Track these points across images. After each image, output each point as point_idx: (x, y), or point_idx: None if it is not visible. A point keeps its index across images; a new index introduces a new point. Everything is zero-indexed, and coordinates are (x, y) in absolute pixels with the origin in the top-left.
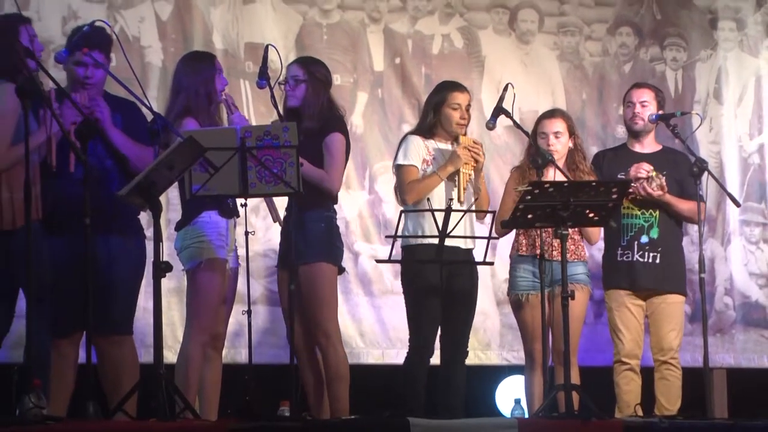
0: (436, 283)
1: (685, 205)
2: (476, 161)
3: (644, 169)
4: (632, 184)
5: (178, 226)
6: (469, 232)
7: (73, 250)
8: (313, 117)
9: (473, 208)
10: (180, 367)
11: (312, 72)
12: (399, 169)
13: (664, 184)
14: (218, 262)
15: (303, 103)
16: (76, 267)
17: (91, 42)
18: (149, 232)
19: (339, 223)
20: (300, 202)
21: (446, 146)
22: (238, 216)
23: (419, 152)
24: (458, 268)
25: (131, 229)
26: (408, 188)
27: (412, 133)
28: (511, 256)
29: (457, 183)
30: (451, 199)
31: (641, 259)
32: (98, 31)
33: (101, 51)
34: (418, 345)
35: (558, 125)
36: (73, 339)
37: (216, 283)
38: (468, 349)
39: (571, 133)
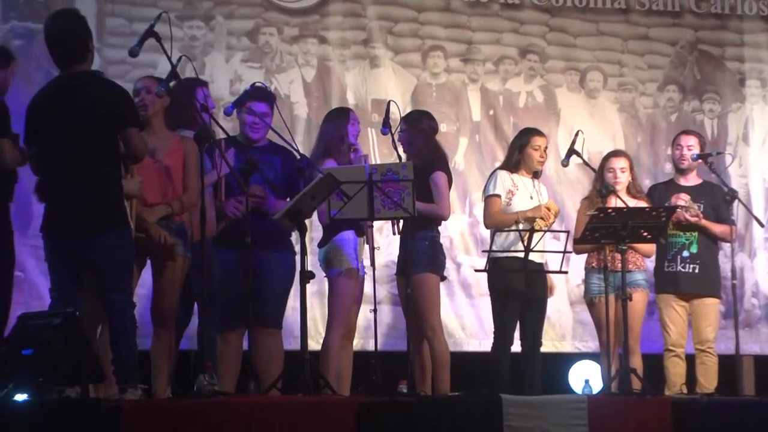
0: (517, 288)
1: (718, 228)
2: (548, 221)
3: (682, 199)
4: (676, 211)
5: (321, 243)
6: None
7: (239, 262)
8: (416, 157)
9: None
10: (323, 354)
11: (410, 123)
12: (486, 199)
13: (699, 212)
14: (353, 271)
15: (406, 147)
16: (240, 276)
17: (255, 96)
18: (296, 247)
19: (445, 240)
20: (411, 224)
21: (528, 179)
22: (364, 234)
23: (505, 185)
24: (534, 276)
25: (283, 246)
26: (490, 217)
27: (501, 168)
28: (585, 269)
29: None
30: (529, 219)
31: (683, 270)
32: (260, 88)
33: (265, 103)
34: (502, 337)
35: (622, 162)
36: (238, 331)
37: (351, 287)
38: (545, 340)
39: (631, 169)
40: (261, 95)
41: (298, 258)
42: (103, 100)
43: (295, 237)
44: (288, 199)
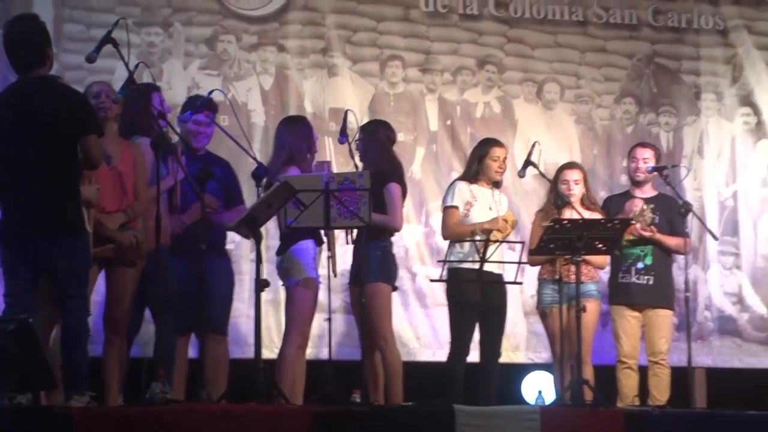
0: (474, 299)
1: (672, 241)
2: (505, 232)
3: (636, 205)
4: (630, 224)
5: (279, 251)
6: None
7: (188, 269)
8: (371, 166)
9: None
10: (279, 363)
11: (367, 132)
12: (444, 210)
13: (653, 227)
14: (311, 281)
15: (362, 157)
16: (190, 282)
17: (197, 105)
18: (252, 255)
19: (400, 249)
20: (365, 234)
21: (487, 189)
22: (323, 243)
23: (463, 196)
24: (492, 287)
25: (222, 253)
26: (448, 228)
27: (460, 179)
28: (538, 279)
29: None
30: (487, 231)
31: (637, 281)
32: (200, 97)
33: (207, 112)
34: (458, 347)
35: (576, 174)
36: (186, 337)
37: (309, 297)
38: (501, 350)
39: (585, 181)
40: (198, 104)
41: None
42: (63, 106)
43: (250, 245)
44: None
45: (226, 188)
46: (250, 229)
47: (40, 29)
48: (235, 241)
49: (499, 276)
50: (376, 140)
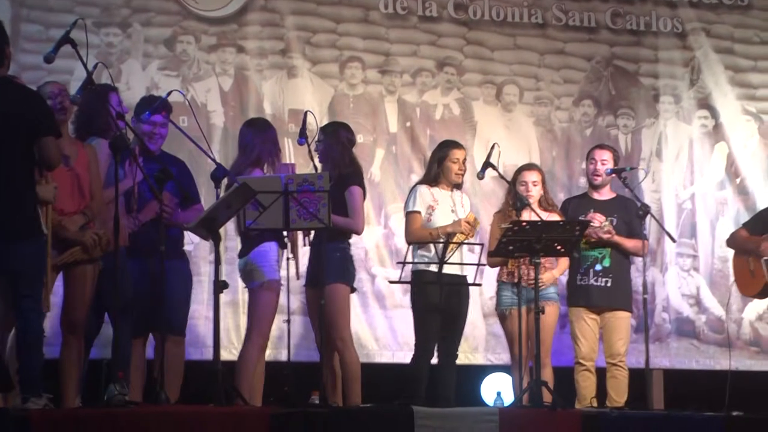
0: (437, 301)
1: (630, 243)
2: (469, 234)
3: (597, 219)
4: (588, 229)
5: (242, 254)
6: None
7: (144, 270)
8: (332, 168)
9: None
10: (240, 365)
11: (328, 134)
12: (407, 215)
13: (612, 230)
14: (274, 283)
15: (322, 158)
16: (147, 284)
17: (151, 107)
18: (211, 257)
19: (360, 251)
20: (322, 236)
21: (447, 192)
22: (286, 247)
23: (425, 200)
24: (454, 290)
25: (180, 254)
26: (411, 233)
27: (421, 182)
28: (497, 281)
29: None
30: (449, 233)
31: (595, 283)
32: (155, 98)
33: (161, 114)
34: (423, 349)
35: (534, 176)
36: (143, 339)
37: (272, 299)
38: (458, 352)
39: (543, 182)
40: (153, 105)
41: (202, 266)
42: (20, 106)
43: (208, 246)
44: (180, 210)
45: (182, 188)
46: (209, 230)
47: None
48: (193, 243)
49: (463, 278)
50: (338, 142)
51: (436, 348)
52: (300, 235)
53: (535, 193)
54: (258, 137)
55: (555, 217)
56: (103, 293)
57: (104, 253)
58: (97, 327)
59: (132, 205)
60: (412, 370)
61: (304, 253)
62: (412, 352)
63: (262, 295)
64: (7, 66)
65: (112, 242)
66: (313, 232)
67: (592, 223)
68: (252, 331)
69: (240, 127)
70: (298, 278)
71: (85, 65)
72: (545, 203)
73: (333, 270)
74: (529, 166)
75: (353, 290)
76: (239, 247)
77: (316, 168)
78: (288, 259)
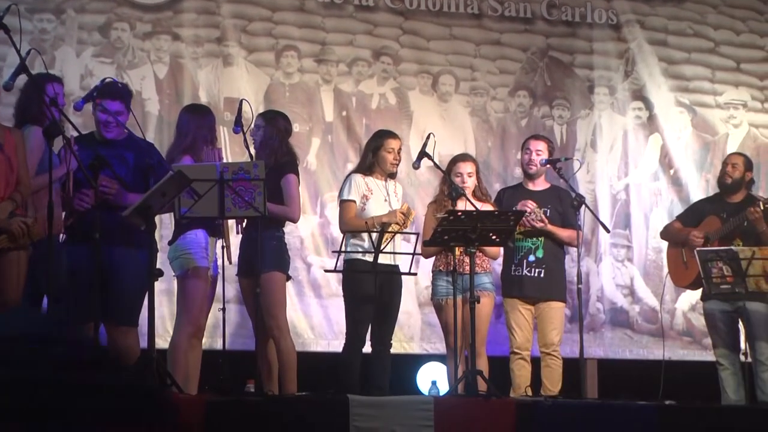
0: (370, 290)
1: (564, 233)
2: (403, 224)
3: (528, 206)
4: (522, 218)
5: (171, 241)
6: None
7: (90, 258)
8: (269, 156)
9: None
10: (170, 352)
11: (268, 120)
12: (341, 204)
13: (545, 218)
14: (201, 270)
15: (260, 145)
16: (90, 271)
17: (106, 94)
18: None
19: (295, 240)
20: (260, 224)
21: (381, 182)
22: (221, 236)
23: (359, 189)
24: (386, 278)
25: (135, 242)
26: (345, 223)
27: (355, 171)
28: (432, 271)
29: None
30: (384, 223)
31: (529, 274)
32: (112, 85)
33: (118, 101)
34: (354, 338)
35: (469, 167)
36: (88, 328)
37: (200, 286)
38: (393, 341)
39: (477, 173)
40: (115, 93)
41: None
42: None
43: None
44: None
45: (141, 171)
46: (144, 218)
47: None
48: None
49: (396, 267)
50: (277, 130)
51: (369, 337)
52: (233, 223)
53: (470, 183)
54: (194, 122)
55: (489, 207)
56: (38, 281)
57: (33, 241)
58: None
59: (68, 192)
60: (343, 359)
61: (236, 242)
62: None
63: (190, 282)
64: None
65: (46, 230)
66: (246, 221)
67: (525, 209)
68: (181, 318)
69: (179, 112)
70: (231, 263)
71: (18, 51)
72: (479, 194)
73: (269, 258)
74: (464, 157)
75: (289, 278)
76: None
77: (251, 156)
78: (223, 247)
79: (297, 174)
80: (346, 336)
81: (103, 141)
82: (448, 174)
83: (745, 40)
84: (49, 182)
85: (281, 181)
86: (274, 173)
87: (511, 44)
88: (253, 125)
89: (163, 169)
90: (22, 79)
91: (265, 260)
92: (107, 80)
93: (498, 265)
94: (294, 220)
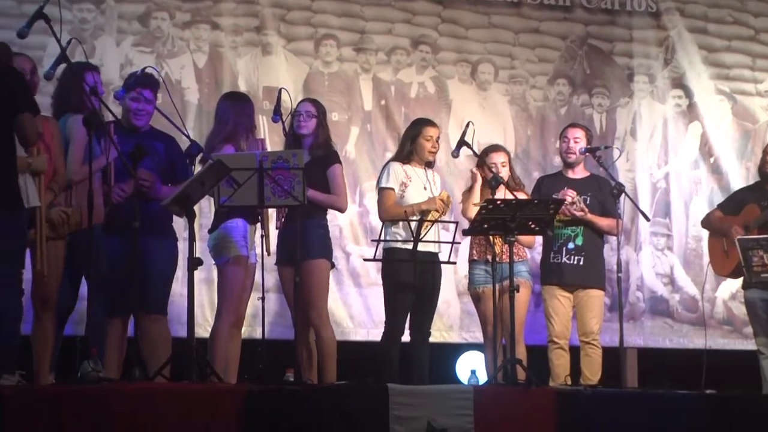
0: (410, 279)
1: (604, 222)
2: (442, 212)
3: (569, 195)
4: (562, 207)
5: (211, 230)
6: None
7: (124, 248)
8: (320, 146)
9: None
10: (211, 341)
11: (322, 111)
12: (380, 192)
13: (585, 207)
14: (242, 258)
15: (313, 135)
16: (125, 261)
17: (143, 83)
18: (185, 234)
19: (334, 229)
20: (303, 212)
21: (420, 169)
22: (259, 222)
23: (398, 177)
24: (427, 267)
25: (166, 232)
26: (385, 210)
27: (393, 159)
28: (468, 260)
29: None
30: (423, 211)
31: (568, 261)
32: (148, 75)
33: (151, 90)
34: (393, 327)
35: (502, 157)
36: (122, 317)
37: (240, 275)
38: (433, 330)
39: (510, 163)
40: (145, 81)
41: (181, 244)
42: None
43: (183, 223)
44: (170, 185)
45: (170, 163)
46: (183, 207)
47: None
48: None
49: (436, 256)
50: (325, 121)
51: (407, 326)
52: (273, 215)
53: (503, 174)
54: (233, 110)
55: (523, 196)
56: (77, 270)
57: (72, 231)
58: (71, 304)
59: (109, 181)
60: (382, 348)
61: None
62: None
63: (230, 270)
64: None
65: (85, 220)
66: (286, 212)
67: (565, 201)
68: (222, 307)
69: (218, 99)
70: (269, 254)
71: (58, 41)
72: (512, 183)
73: (316, 246)
74: (496, 147)
75: (333, 266)
76: None
77: (290, 145)
78: (262, 236)
79: (341, 164)
80: (384, 326)
81: (132, 130)
82: (482, 164)
83: None
84: (89, 172)
85: (327, 171)
86: (319, 163)
87: (550, 32)
88: (302, 111)
89: (184, 163)
90: (60, 68)
91: (312, 248)
92: (146, 70)
93: (537, 254)
94: (342, 210)
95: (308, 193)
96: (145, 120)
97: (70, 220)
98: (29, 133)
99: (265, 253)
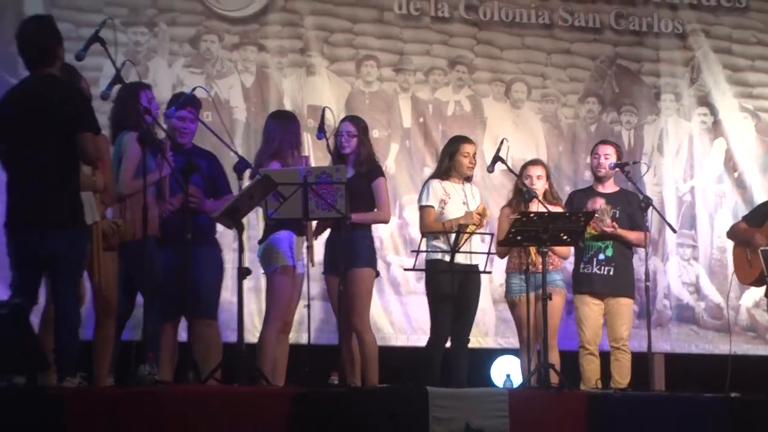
0: (450, 289)
1: (633, 236)
2: (479, 224)
3: (598, 204)
4: (592, 222)
5: (261, 240)
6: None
7: (175, 257)
8: (363, 163)
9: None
10: (259, 346)
11: (362, 129)
12: (421, 209)
13: (614, 223)
14: (289, 268)
15: (355, 152)
16: (174, 271)
17: (186, 102)
18: (234, 245)
19: (376, 240)
20: (351, 224)
21: (459, 185)
22: (306, 236)
23: (437, 194)
24: (465, 277)
25: (211, 242)
26: (426, 226)
27: (432, 177)
28: (506, 271)
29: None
30: (461, 225)
31: (598, 272)
32: (191, 95)
33: (194, 110)
34: (437, 334)
35: (539, 170)
36: (173, 322)
37: (287, 283)
38: (470, 337)
39: (547, 177)
40: (188, 101)
41: (226, 254)
42: (63, 102)
43: (233, 235)
44: (212, 200)
45: (212, 179)
46: (233, 219)
47: (51, 30)
48: (218, 231)
49: (474, 266)
50: (368, 138)
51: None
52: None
53: (539, 186)
54: (280, 128)
55: (559, 210)
56: (133, 279)
57: (123, 241)
58: (128, 310)
59: (164, 195)
60: (426, 354)
61: (323, 243)
62: (426, 336)
63: (278, 279)
64: (59, 65)
65: (138, 231)
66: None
67: (595, 207)
68: (269, 314)
69: (266, 118)
70: (313, 265)
71: (114, 63)
72: (550, 197)
73: (363, 255)
74: (534, 162)
75: (377, 274)
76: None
77: (333, 161)
78: (308, 247)
79: (384, 177)
80: (430, 333)
81: (177, 147)
82: (520, 177)
83: None
84: (143, 186)
85: (372, 184)
86: (364, 178)
87: (581, 53)
88: (343, 131)
89: (225, 179)
90: (115, 89)
91: (359, 257)
92: (197, 89)
93: (570, 264)
94: (386, 222)
95: (354, 218)
96: (189, 138)
97: (120, 230)
98: (90, 151)
99: (309, 263)
